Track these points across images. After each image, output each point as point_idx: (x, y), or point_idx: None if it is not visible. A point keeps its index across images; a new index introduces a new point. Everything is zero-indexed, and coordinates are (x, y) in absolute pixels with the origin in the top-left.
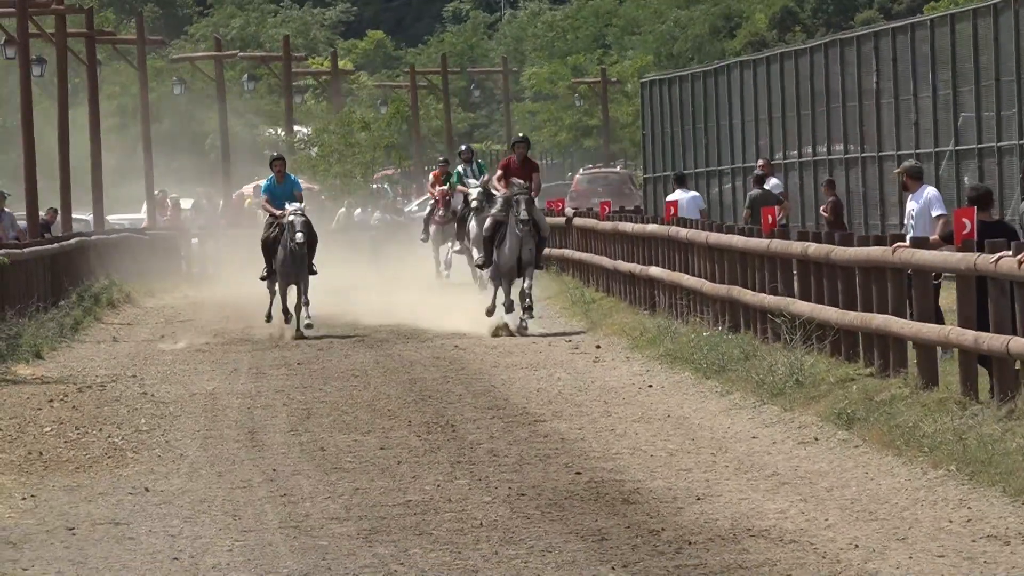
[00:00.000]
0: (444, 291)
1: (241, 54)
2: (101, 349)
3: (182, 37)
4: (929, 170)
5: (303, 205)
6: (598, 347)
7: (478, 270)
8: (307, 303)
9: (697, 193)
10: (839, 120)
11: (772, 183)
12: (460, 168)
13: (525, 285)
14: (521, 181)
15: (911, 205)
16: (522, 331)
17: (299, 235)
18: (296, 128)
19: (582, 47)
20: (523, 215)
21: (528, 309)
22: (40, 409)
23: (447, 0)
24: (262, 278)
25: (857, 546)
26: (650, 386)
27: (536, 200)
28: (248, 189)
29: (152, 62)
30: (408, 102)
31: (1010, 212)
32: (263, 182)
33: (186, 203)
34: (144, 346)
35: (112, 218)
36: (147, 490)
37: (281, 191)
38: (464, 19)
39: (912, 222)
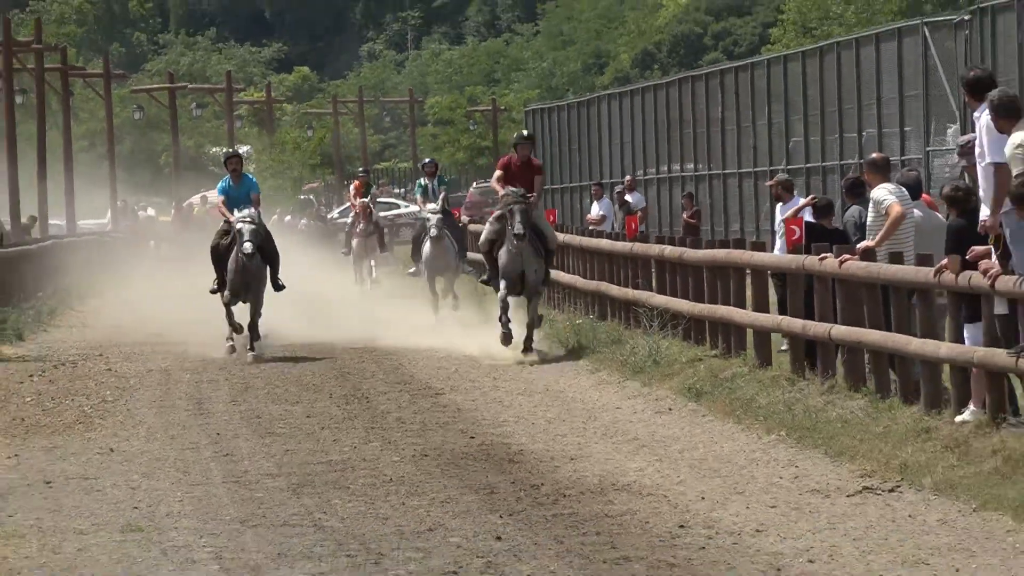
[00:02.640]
0: (367, 296)
1: (190, 86)
2: (73, 333)
3: (140, 71)
4: (764, 187)
5: (253, 211)
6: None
7: (431, 295)
8: (256, 327)
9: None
10: (691, 143)
11: (636, 197)
12: (422, 181)
13: (532, 319)
14: (515, 188)
15: (785, 212)
16: (529, 359)
17: (247, 245)
18: (237, 147)
19: (476, 81)
20: (518, 228)
21: (527, 346)
22: (22, 383)
23: (363, 41)
24: (212, 291)
25: (703, 498)
26: (532, 365)
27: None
28: (196, 199)
29: (116, 92)
30: (331, 127)
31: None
32: (219, 185)
33: (151, 211)
34: (109, 331)
35: (82, 223)
36: (112, 450)
37: (237, 193)
38: (377, 57)
39: (782, 229)
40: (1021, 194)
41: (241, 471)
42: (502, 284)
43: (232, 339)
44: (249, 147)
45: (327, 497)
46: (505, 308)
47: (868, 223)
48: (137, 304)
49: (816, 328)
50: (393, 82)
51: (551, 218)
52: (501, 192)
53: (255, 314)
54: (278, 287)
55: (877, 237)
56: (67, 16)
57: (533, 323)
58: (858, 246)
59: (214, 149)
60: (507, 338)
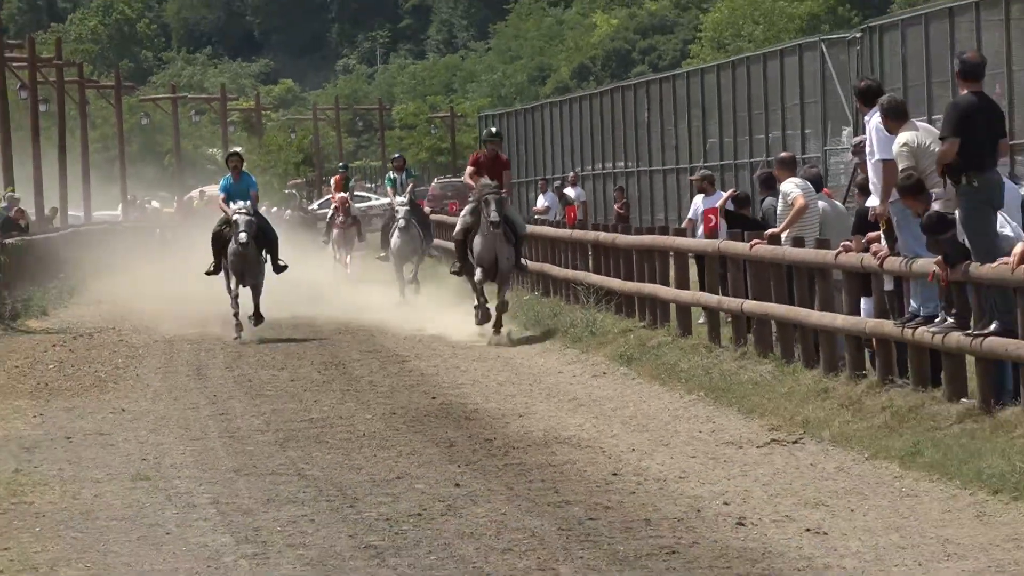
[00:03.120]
0: (344, 281)
1: (189, 96)
2: (89, 309)
3: (147, 83)
4: (685, 181)
5: (248, 203)
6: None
7: (398, 281)
8: (258, 309)
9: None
10: (621, 144)
11: (577, 191)
12: (392, 175)
13: (502, 299)
14: (489, 180)
15: (708, 203)
16: (493, 342)
17: (242, 235)
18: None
19: (436, 91)
20: (493, 216)
21: (497, 327)
22: (46, 351)
23: (338, 57)
24: (207, 273)
25: (633, 449)
26: (484, 335)
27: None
28: (195, 193)
29: (125, 101)
30: (311, 131)
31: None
32: (221, 182)
33: (156, 204)
34: (120, 307)
35: (97, 214)
36: (123, 410)
37: (237, 189)
38: (351, 71)
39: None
40: (906, 186)
41: (235, 428)
42: (478, 270)
43: (239, 323)
44: (240, 148)
45: (309, 450)
46: (480, 291)
47: (778, 212)
48: (144, 284)
49: (730, 303)
50: (364, 92)
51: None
52: (474, 185)
53: (256, 296)
54: (279, 269)
55: (782, 224)
56: (84, 36)
57: (502, 307)
58: (765, 232)
59: (210, 150)
60: (485, 316)
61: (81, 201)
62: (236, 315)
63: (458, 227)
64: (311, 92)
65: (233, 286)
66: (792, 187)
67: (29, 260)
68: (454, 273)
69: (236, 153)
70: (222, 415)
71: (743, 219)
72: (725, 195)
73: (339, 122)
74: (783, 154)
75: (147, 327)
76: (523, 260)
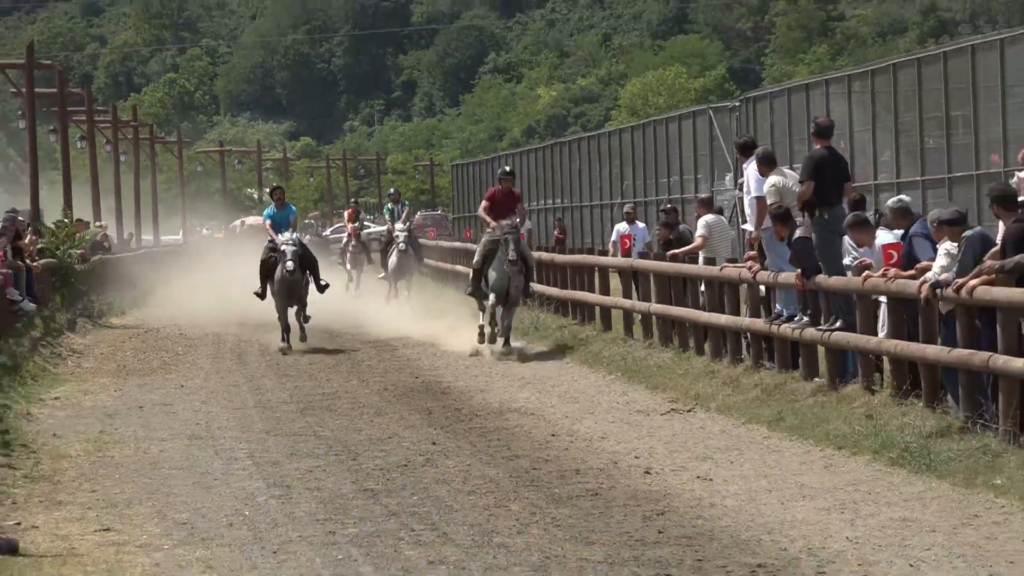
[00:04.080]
0: (355, 296)
1: (233, 149)
2: (156, 310)
3: (201, 139)
4: (608, 214)
5: (295, 235)
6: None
7: (391, 292)
8: (306, 319)
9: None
10: (559, 186)
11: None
12: (389, 206)
13: (504, 324)
14: (508, 222)
15: (633, 231)
16: (500, 356)
17: (289, 263)
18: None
19: (419, 145)
20: (512, 255)
21: (506, 344)
22: (124, 342)
23: (346, 119)
24: (256, 294)
25: (567, 416)
26: (454, 328)
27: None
28: (237, 223)
29: (185, 153)
30: (324, 175)
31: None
32: (266, 211)
33: (207, 231)
34: (180, 309)
35: (163, 238)
36: (182, 386)
37: (280, 216)
38: (355, 130)
39: (635, 244)
40: (778, 214)
41: (266, 399)
42: (492, 297)
43: (286, 340)
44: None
45: (322, 416)
46: (493, 315)
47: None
48: (198, 292)
49: (640, 306)
50: (365, 146)
51: (468, 235)
52: (488, 218)
53: (301, 313)
54: (321, 288)
55: (683, 249)
56: (154, 104)
57: (509, 327)
58: (668, 252)
59: (248, 190)
60: (491, 337)
61: (151, 228)
62: (286, 338)
63: (477, 256)
64: (325, 146)
65: (284, 310)
66: (702, 225)
67: (111, 273)
68: (469, 295)
69: (279, 187)
70: (256, 390)
71: (670, 243)
72: (641, 226)
73: (346, 169)
74: (703, 195)
75: (200, 324)
76: (531, 287)
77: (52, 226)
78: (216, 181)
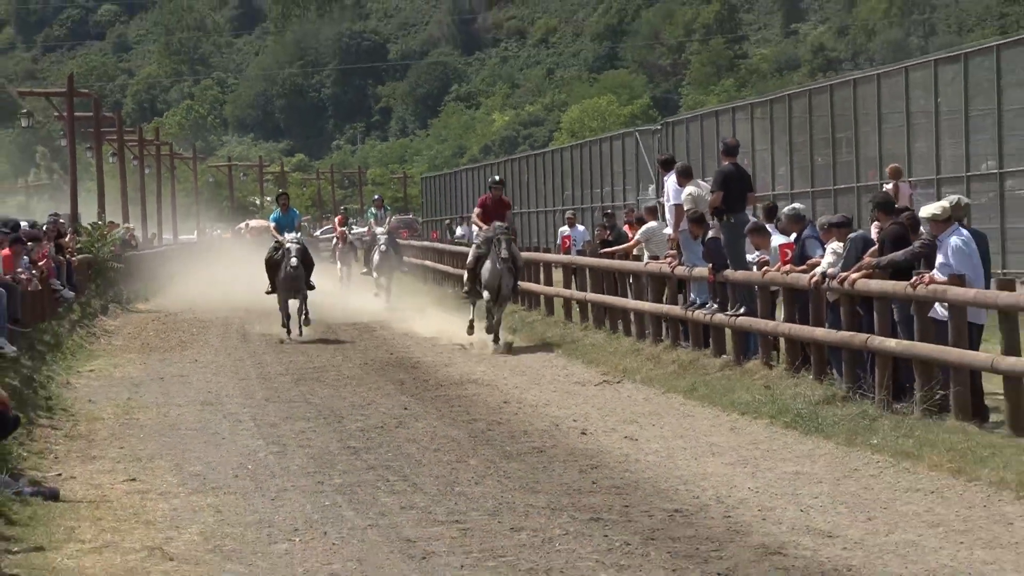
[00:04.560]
0: (345, 288)
1: (239, 164)
2: (177, 296)
3: (213, 155)
4: (552, 218)
5: (299, 235)
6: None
7: (377, 288)
8: (307, 312)
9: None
10: (512, 195)
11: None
12: (373, 210)
13: (495, 319)
14: (501, 223)
15: (573, 233)
16: (496, 351)
17: (293, 260)
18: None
19: (394, 161)
20: (504, 253)
21: (495, 340)
22: (148, 324)
23: (333, 139)
24: (267, 292)
25: (517, 387)
26: (423, 311)
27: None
28: (242, 225)
29: (200, 167)
30: (315, 186)
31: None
32: (271, 215)
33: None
34: (194, 297)
35: (181, 238)
36: (196, 361)
37: (285, 220)
38: (341, 148)
39: (575, 244)
40: (692, 218)
41: (266, 372)
42: (486, 293)
43: (288, 329)
44: (271, 198)
45: (312, 386)
46: (487, 311)
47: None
48: (210, 283)
49: (578, 295)
50: (349, 161)
51: (435, 236)
52: (480, 223)
53: (303, 306)
54: (309, 287)
55: (617, 248)
56: (174, 125)
57: (499, 322)
58: (603, 250)
59: (251, 198)
60: (490, 329)
61: (171, 229)
62: (286, 326)
63: (470, 257)
64: (315, 161)
65: (285, 302)
66: (642, 230)
67: (137, 266)
68: (465, 294)
69: (285, 193)
70: (258, 364)
71: (607, 242)
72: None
73: (333, 180)
74: (648, 204)
75: (211, 310)
76: (518, 285)
77: (88, 227)
78: (224, 190)
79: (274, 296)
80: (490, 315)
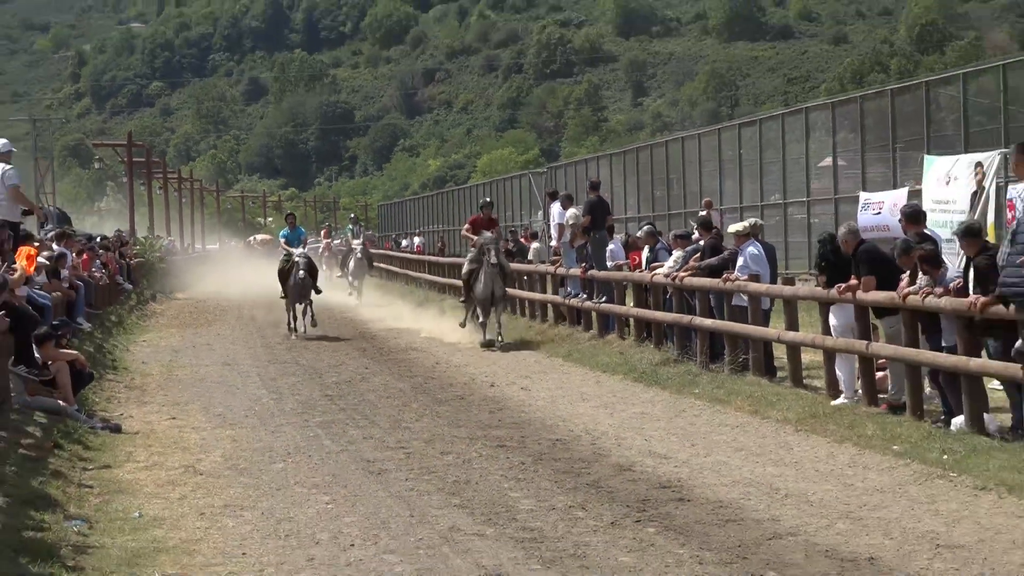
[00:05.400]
0: (326, 287)
1: (249, 194)
2: (203, 289)
3: (232, 188)
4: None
5: (306, 249)
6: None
7: (351, 288)
8: (312, 314)
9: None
10: (443, 218)
11: (421, 239)
12: (350, 226)
13: (499, 319)
14: (491, 234)
15: (540, 241)
16: (499, 346)
17: (301, 272)
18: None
19: (359, 193)
20: (493, 260)
21: (499, 337)
22: (183, 308)
23: (314, 178)
24: (281, 297)
25: (445, 353)
26: (382, 306)
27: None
28: (250, 239)
29: (222, 197)
30: (303, 211)
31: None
32: (281, 232)
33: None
34: (217, 290)
35: (208, 247)
36: (219, 335)
37: (292, 236)
38: (322, 184)
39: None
40: (573, 233)
41: (268, 343)
42: (481, 298)
43: (293, 330)
44: (271, 218)
45: (301, 352)
46: (482, 313)
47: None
48: (227, 280)
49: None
50: (327, 193)
51: (388, 246)
52: (472, 238)
53: (307, 310)
54: (316, 291)
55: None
56: (202, 167)
57: (499, 323)
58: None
59: (258, 219)
60: (469, 330)
61: (200, 241)
62: (291, 326)
63: (465, 268)
64: (303, 192)
65: (291, 306)
66: (533, 247)
67: (176, 268)
68: (462, 302)
69: (292, 214)
70: (262, 337)
71: (511, 252)
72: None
73: (315, 207)
74: (538, 224)
75: (228, 299)
76: (506, 290)
77: (142, 239)
78: (239, 213)
79: (276, 292)
80: (480, 315)
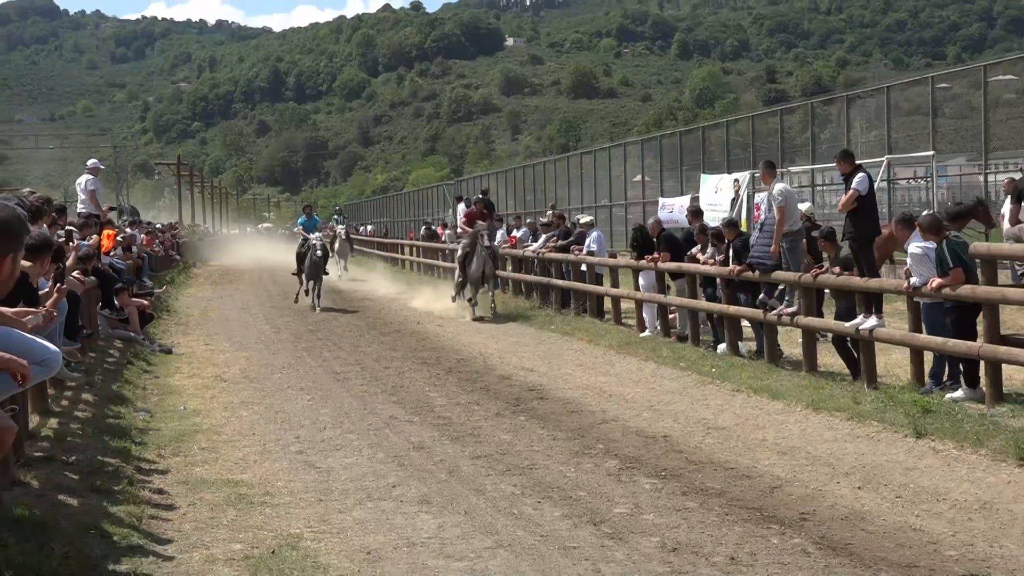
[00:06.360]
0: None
1: (259, 197)
2: (227, 259)
3: (248, 194)
4: (412, 226)
5: (321, 235)
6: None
7: (335, 265)
8: (319, 294)
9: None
10: (385, 211)
11: (372, 227)
12: (336, 216)
13: (491, 294)
14: (483, 223)
15: (416, 233)
16: (490, 318)
17: (318, 252)
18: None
19: (331, 196)
20: (487, 243)
21: (493, 309)
22: (214, 272)
23: (303, 185)
24: (294, 273)
25: (392, 302)
26: (361, 279)
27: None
28: (259, 226)
29: (243, 199)
30: (294, 208)
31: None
32: (299, 220)
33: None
34: (237, 263)
35: (231, 231)
36: (238, 289)
37: (309, 224)
38: (305, 190)
39: (418, 238)
40: (470, 224)
41: (272, 297)
42: (474, 278)
43: (308, 297)
44: (272, 213)
45: (317, 322)
46: (474, 293)
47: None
48: (243, 255)
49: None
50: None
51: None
52: (469, 228)
53: (318, 287)
54: (325, 272)
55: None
56: (228, 179)
57: (492, 299)
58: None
59: (264, 213)
60: (472, 305)
61: (225, 227)
62: (299, 297)
63: (459, 252)
64: (294, 196)
65: (306, 283)
66: (446, 234)
67: (209, 244)
68: (459, 283)
69: (309, 205)
70: (266, 292)
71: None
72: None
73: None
74: (448, 219)
75: (244, 266)
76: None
77: (187, 226)
78: (251, 210)
79: (287, 267)
80: (474, 297)
